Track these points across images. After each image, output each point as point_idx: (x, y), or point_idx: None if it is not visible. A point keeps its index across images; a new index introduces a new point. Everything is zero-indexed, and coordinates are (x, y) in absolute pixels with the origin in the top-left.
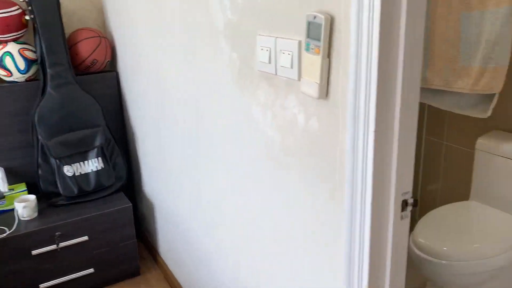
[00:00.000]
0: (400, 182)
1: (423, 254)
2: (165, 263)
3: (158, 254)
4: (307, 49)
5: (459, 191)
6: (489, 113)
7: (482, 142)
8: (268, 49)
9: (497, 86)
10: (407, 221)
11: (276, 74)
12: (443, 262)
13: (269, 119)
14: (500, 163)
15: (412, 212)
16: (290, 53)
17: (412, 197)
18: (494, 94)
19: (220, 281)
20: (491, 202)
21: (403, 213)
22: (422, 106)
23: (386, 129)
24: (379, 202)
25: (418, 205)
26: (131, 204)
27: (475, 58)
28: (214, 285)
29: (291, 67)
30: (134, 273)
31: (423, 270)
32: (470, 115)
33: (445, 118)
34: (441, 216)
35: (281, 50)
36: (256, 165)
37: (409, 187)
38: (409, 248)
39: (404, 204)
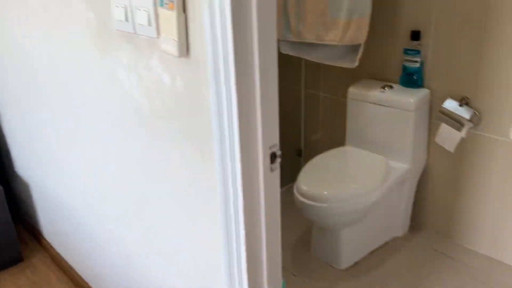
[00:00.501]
0: (266, 136)
1: (306, 200)
2: (50, 245)
3: (42, 236)
4: (162, 4)
5: (338, 138)
6: (356, 63)
7: (352, 91)
8: (124, 6)
9: (361, 37)
10: (277, 173)
11: (135, 32)
12: (325, 205)
13: (134, 82)
14: (369, 109)
15: (298, 162)
16: (146, 9)
17: (280, 150)
18: (360, 45)
19: (108, 254)
20: (364, 146)
21: (273, 165)
22: (299, 61)
23: (248, 84)
24: (247, 157)
25: (303, 155)
26: (1, 187)
27: (342, 11)
28: (102, 260)
29: (149, 24)
30: (16, 260)
31: (308, 215)
32: (341, 66)
33: (320, 71)
34: (320, 163)
35: (136, 7)
36: (127, 131)
37: (276, 140)
38: (293, 195)
39: (273, 156)
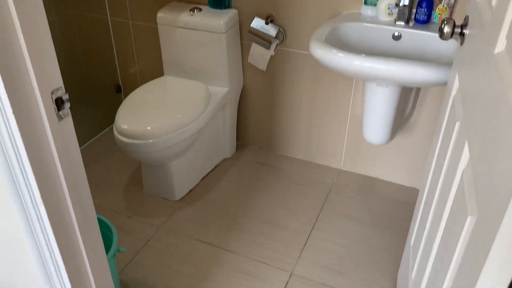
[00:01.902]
0: (43, 79)
1: (128, 140)
2: None
3: None
4: None
5: (156, 68)
6: None
7: (161, 16)
8: None
9: None
10: (69, 120)
11: None
12: (150, 141)
13: None
14: (180, 35)
15: (119, 99)
16: None
17: (66, 93)
18: None
19: None
20: (182, 74)
21: (62, 112)
22: None
23: None
24: (23, 110)
25: (122, 90)
26: None
27: None
28: None
29: None
30: None
31: (133, 154)
32: None
33: None
34: (139, 97)
35: None
36: None
37: (59, 82)
38: (114, 136)
39: (60, 102)
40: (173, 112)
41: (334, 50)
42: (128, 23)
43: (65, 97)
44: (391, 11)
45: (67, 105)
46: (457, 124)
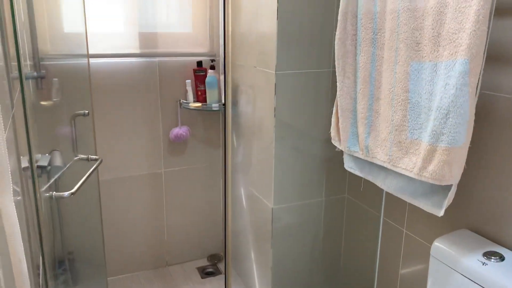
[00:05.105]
0: None
1: None
2: None
3: None
4: None
5: None
6: (441, 212)
7: (438, 247)
8: None
9: (450, 175)
10: None
11: None
12: None
13: None
14: (459, 283)
15: None
16: None
17: None
18: (451, 186)
19: None
20: None
21: None
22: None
23: None
24: None
25: None
26: None
27: (425, 131)
28: None
29: None
30: None
31: None
32: (420, 207)
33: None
34: None
35: None
36: None
37: None
38: None
39: None
40: None
41: None
42: (402, 231)
43: None
44: None
45: None
46: None
